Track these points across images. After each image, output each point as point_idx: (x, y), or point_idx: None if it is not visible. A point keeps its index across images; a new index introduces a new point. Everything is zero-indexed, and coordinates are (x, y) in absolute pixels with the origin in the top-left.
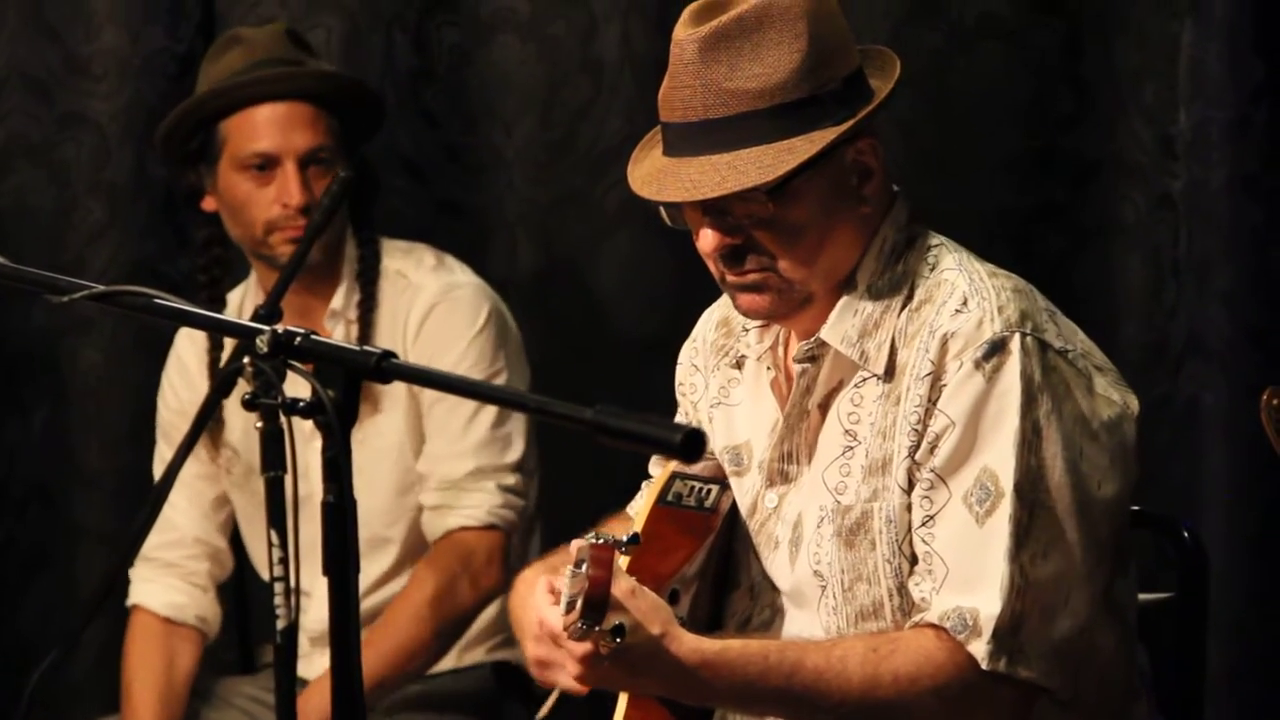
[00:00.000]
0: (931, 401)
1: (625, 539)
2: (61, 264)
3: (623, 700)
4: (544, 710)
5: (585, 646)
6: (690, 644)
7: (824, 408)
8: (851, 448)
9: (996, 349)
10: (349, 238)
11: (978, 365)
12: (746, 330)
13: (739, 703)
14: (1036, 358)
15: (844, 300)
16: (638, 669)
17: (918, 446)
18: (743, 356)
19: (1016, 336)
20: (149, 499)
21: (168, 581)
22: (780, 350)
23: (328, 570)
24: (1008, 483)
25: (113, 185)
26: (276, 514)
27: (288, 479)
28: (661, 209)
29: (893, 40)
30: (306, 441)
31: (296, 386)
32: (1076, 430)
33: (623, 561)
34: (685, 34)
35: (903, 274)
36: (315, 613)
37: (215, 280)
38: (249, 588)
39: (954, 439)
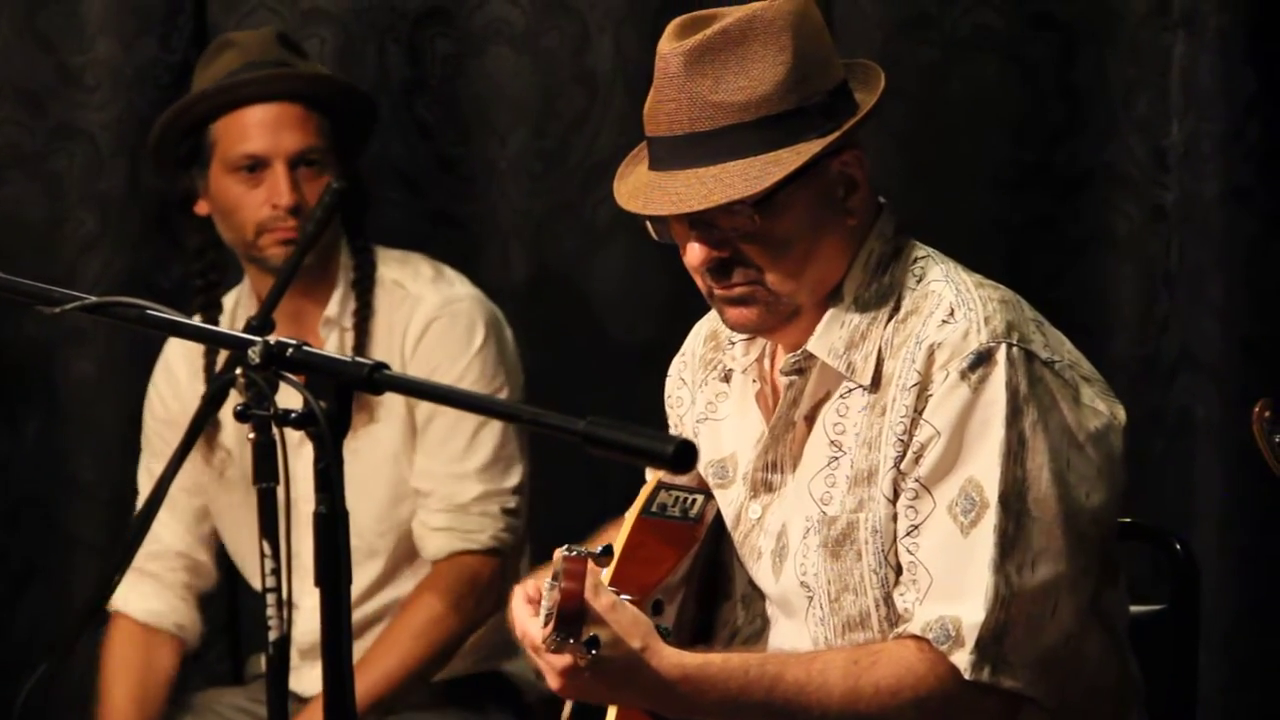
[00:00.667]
0: (917, 412)
1: (599, 550)
2: (54, 275)
3: (612, 713)
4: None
5: (564, 659)
6: (670, 658)
7: (810, 419)
8: (837, 458)
9: (982, 359)
10: (343, 245)
11: (963, 376)
12: (733, 343)
13: (720, 717)
14: (1023, 368)
15: (831, 312)
16: (617, 682)
17: (903, 456)
18: (730, 370)
19: (1003, 347)
20: (139, 512)
21: (147, 589)
22: (766, 363)
23: (319, 581)
24: (992, 493)
25: (105, 196)
26: (269, 525)
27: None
28: (648, 223)
29: (886, 52)
30: (295, 449)
31: (290, 396)
32: (1063, 441)
33: (606, 573)
34: (670, 48)
35: (889, 285)
36: (305, 624)
37: (210, 285)
38: (239, 599)
39: (939, 449)
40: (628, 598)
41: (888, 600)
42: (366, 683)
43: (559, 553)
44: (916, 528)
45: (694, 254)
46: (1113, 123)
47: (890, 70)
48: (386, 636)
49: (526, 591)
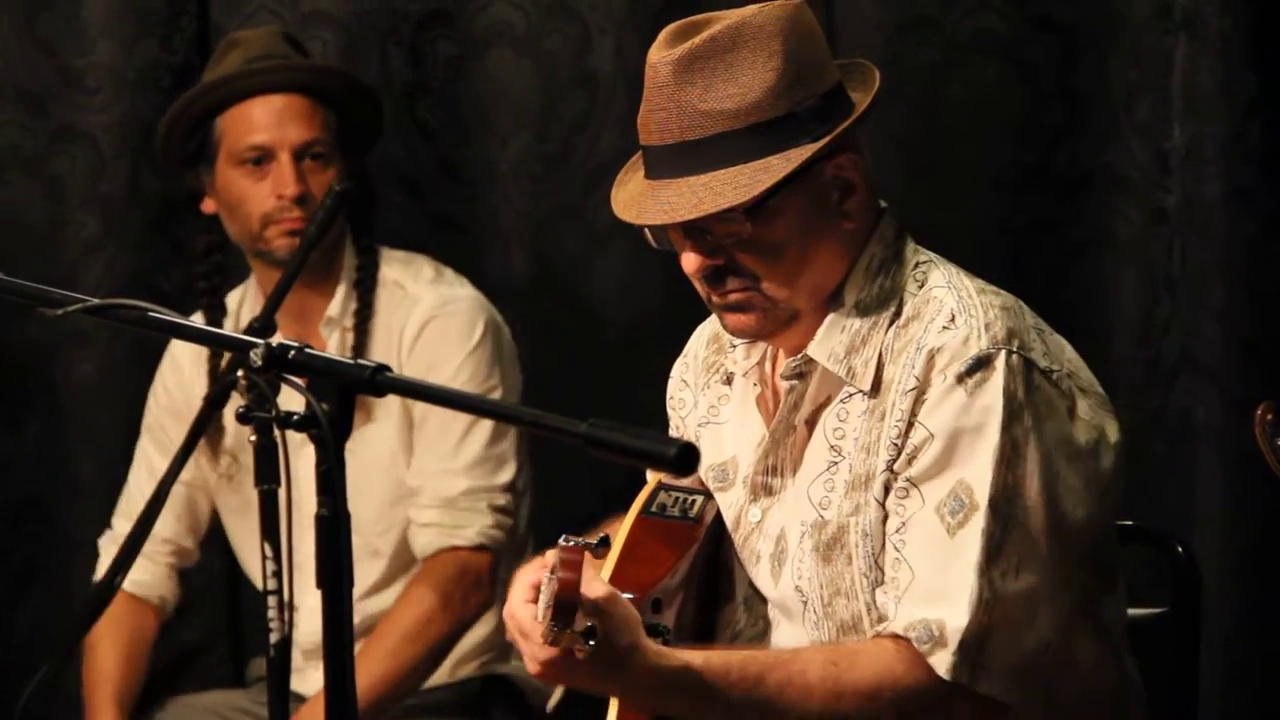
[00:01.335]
0: (914, 415)
1: (595, 542)
2: (55, 277)
3: (613, 712)
4: (552, 703)
5: (548, 649)
6: (654, 657)
7: (810, 423)
8: (836, 463)
9: (981, 365)
10: (347, 245)
11: (960, 380)
12: (734, 346)
13: (701, 716)
14: (1021, 375)
15: (831, 317)
16: (599, 676)
17: (896, 458)
18: (731, 373)
19: (1002, 353)
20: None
21: (134, 563)
22: (767, 366)
23: (321, 583)
24: (983, 496)
25: (107, 198)
26: (271, 527)
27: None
28: (646, 232)
29: (887, 55)
30: (297, 450)
31: (292, 398)
32: (1055, 451)
33: (605, 572)
34: (659, 56)
35: (890, 290)
36: (307, 625)
37: (215, 287)
38: (241, 601)
39: (933, 451)
40: (627, 596)
41: (877, 603)
42: (359, 687)
43: (557, 545)
44: (903, 524)
45: (689, 262)
46: (1114, 125)
47: (891, 72)
48: (377, 639)
49: (528, 578)
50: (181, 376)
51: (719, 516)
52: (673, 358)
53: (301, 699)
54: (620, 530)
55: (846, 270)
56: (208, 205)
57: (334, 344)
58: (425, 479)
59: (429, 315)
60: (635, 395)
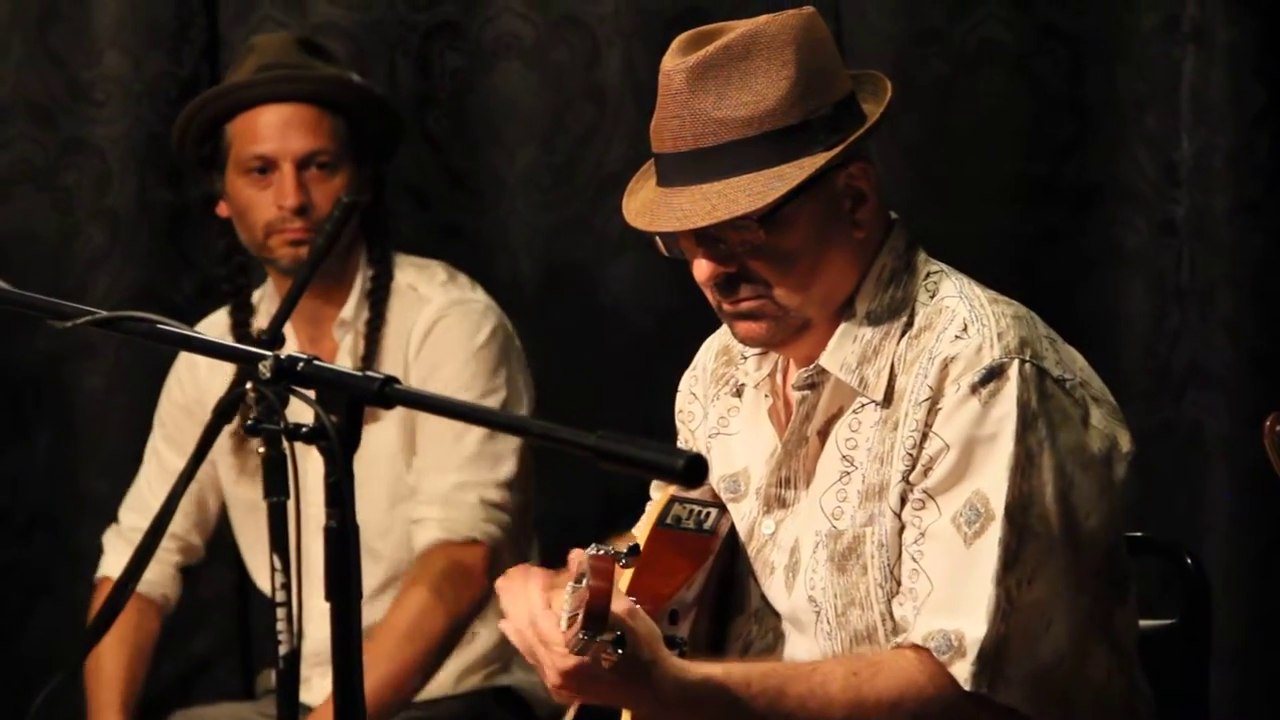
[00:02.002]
0: (928, 425)
1: (625, 550)
2: (64, 289)
3: (627, 717)
4: None
5: (573, 658)
6: (675, 669)
7: (823, 434)
8: (849, 473)
9: (994, 374)
10: (361, 252)
11: (974, 390)
12: (745, 358)
13: None
14: (1034, 385)
15: (843, 327)
16: (621, 688)
17: (912, 469)
18: (742, 385)
19: (1015, 363)
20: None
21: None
22: (778, 378)
23: (330, 596)
24: (998, 506)
25: (115, 211)
26: (279, 539)
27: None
28: (658, 239)
29: (895, 66)
30: (305, 454)
31: (301, 410)
32: (1069, 459)
33: (624, 583)
34: (673, 64)
35: (902, 300)
36: (315, 633)
37: (240, 288)
38: (250, 613)
39: (948, 462)
40: (644, 609)
41: (894, 614)
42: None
43: (579, 553)
44: (921, 536)
45: (701, 269)
46: (1122, 137)
47: (900, 84)
48: (374, 643)
49: (538, 588)
50: (196, 373)
51: (733, 529)
52: (682, 367)
53: (309, 709)
54: (640, 548)
55: (858, 280)
56: (222, 210)
57: (346, 346)
58: (423, 475)
59: (438, 315)
60: (645, 405)
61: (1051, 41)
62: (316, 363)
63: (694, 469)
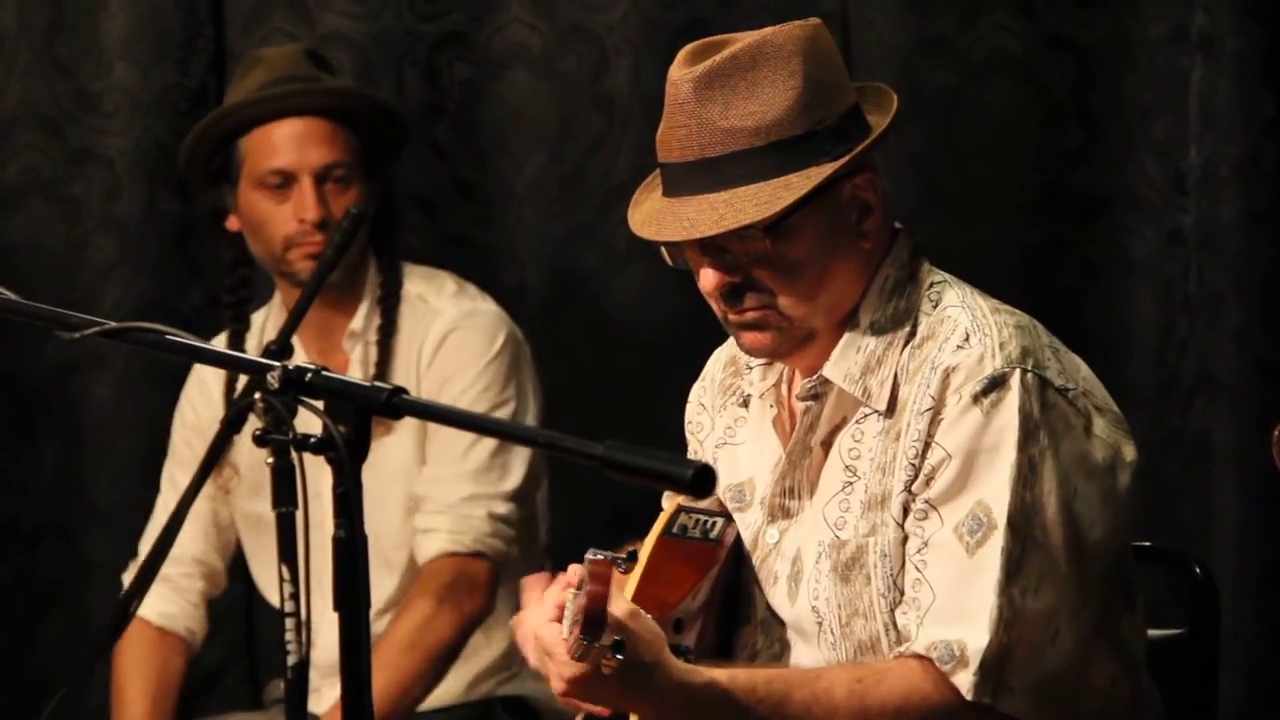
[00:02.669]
0: (930, 435)
1: (623, 556)
2: (73, 300)
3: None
4: None
5: (576, 665)
6: (679, 673)
7: (826, 444)
8: (851, 483)
9: (996, 384)
10: (370, 262)
11: (976, 399)
12: (751, 368)
13: None
14: (1036, 394)
15: (847, 337)
16: (626, 693)
17: (914, 479)
18: (748, 395)
19: (1017, 372)
20: (159, 536)
21: (160, 592)
22: (783, 388)
23: (339, 606)
24: (1001, 515)
25: (124, 221)
26: (287, 549)
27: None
28: (662, 249)
29: (903, 75)
30: (315, 466)
31: (310, 420)
32: (1072, 469)
33: (628, 591)
34: (680, 74)
35: (905, 310)
36: (325, 643)
37: (241, 301)
38: (257, 622)
39: (950, 471)
40: (648, 616)
41: (896, 624)
42: None
43: (585, 559)
44: (923, 545)
45: (707, 279)
46: (1130, 146)
47: (907, 94)
48: (378, 652)
49: (551, 598)
50: (209, 398)
51: (739, 539)
52: (690, 377)
53: (317, 719)
54: (642, 551)
55: (862, 290)
56: (232, 223)
57: (357, 358)
58: (431, 485)
59: (450, 327)
60: (652, 415)
61: (1059, 51)
62: (325, 373)
63: (702, 479)
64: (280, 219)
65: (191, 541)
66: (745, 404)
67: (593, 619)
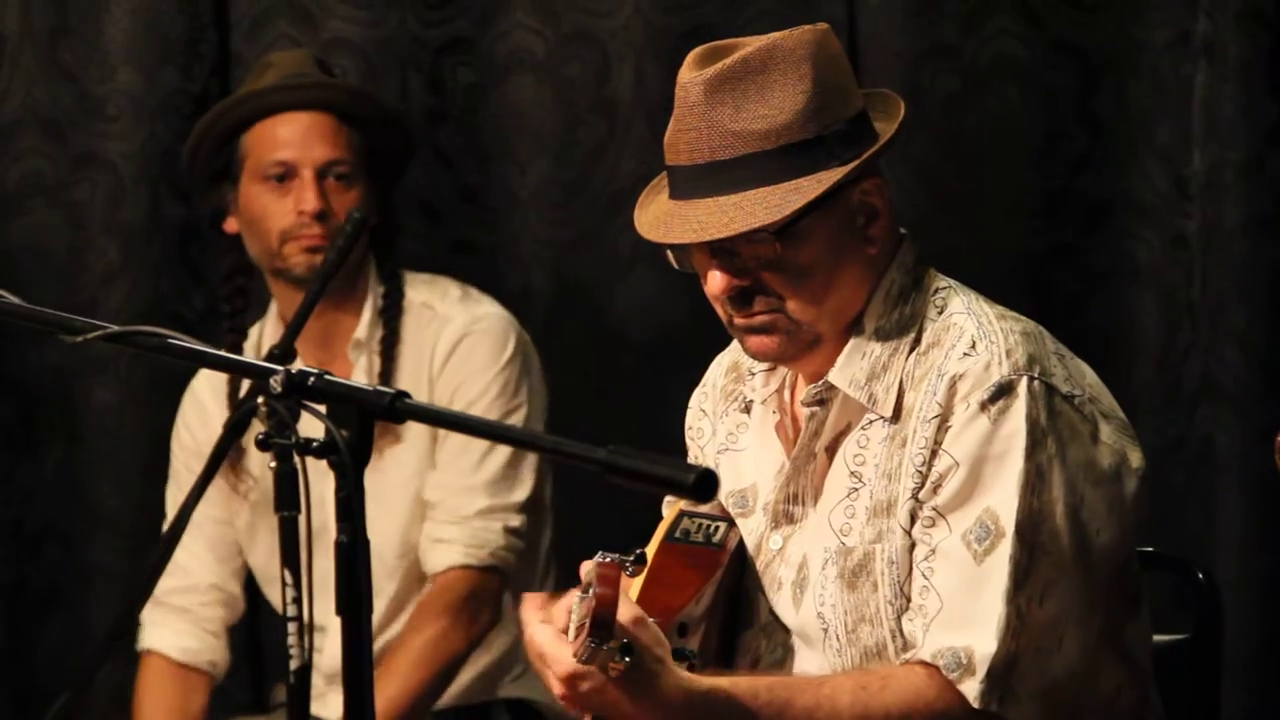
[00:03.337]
0: (937, 443)
1: (631, 558)
2: (76, 304)
3: None
4: None
5: (576, 667)
6: (682, 679)
7: (831, 450)
8: (857, 489)
9: (1003, 391)
10: (372, 271)
11: (983, 407)
12: (753, 374)
13: None
14: (1043, 401)
15: (852, 343)
16: (629, 697)
17: (921, 487)
18: (751, 401)
19: (1024, 380)
20: (162, 541)
21: (180, 626)
22: (786, 394)
23: (341, 610)
24: (1009, 523)
25: (127, 225)
26: (290, 553)
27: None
28: (669, 252)
29: (907, 81)
30: (319, 470)
31: (313, 425)
32: (1079, 476)
33: (633, 594)
34: (690, 77)
35: (910, 316)
36: (329, 650)
37: (238, 311)
38: (261, 627)
39: (958, 479)
40: (653, 621)
41: (903, 630)
42: None
43: (588, 564)
44: (931, 553)
45: (715, 282)
46: (1134, 152)
47: (911, 99)
48: (390, 662)
49: (563, 604)
50: (204, 414)
51: (742, 543)
52: (692, 383)
53: None
54: (647, 556)
55: (868, 296)
56: (230, 225)
57: (361, 366)
58: (443, 494)
59: (460, 334)
60: (656, 421)
61: (1063, 57)
62: (327, 377)
63: (704, 484)
64: (279, 212)
65: (207, 569)
66: (747, 410)
67: (601, 622)
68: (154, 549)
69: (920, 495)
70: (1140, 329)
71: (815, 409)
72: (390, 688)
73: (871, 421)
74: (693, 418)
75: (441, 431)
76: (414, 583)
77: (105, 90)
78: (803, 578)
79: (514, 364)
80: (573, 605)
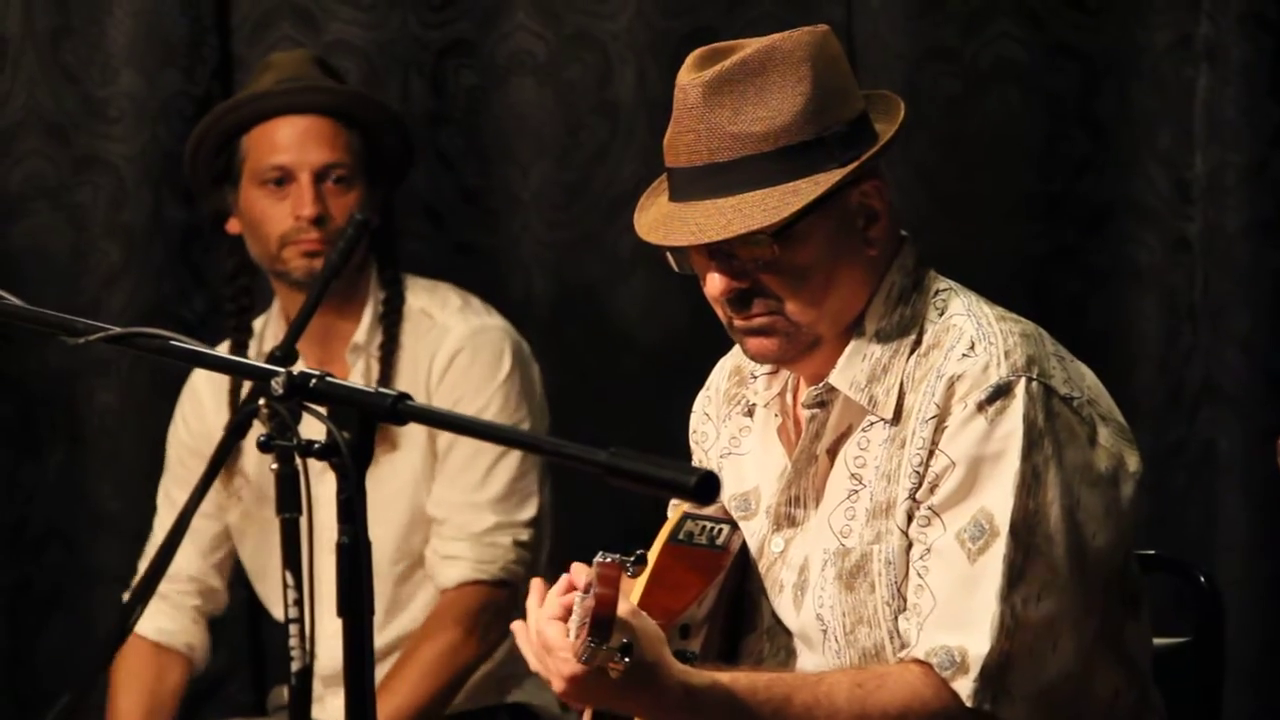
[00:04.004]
0: (934, 443)
1: (632, 559)
2: (78, 306)
3: None
4: None
5: (576, 664)
6: (680, 675)
7: (832, 453)
8: (857, 491)
9: (1001, 392)
10: (372, 274)
11: (980, 408)
12: (755, 377)
13: None
14: (1041, 402)
15: (852, 345)
16: (625, 691)
17: (918, 486)
18: (753, 404)
19: (1022, 381)
20: (161, 545)
21: (159, 609)
22: (788, 397)
23: (342, 612)
24: (1004, 523)
25: (129, 228)
26: (292, 555)
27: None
28: (668, 255)
29: (908, 84)
30: (318, 475)
31: (313, 426)
32: (1075, 478)
33: (635, 596)
34: (689, 79)
35: (911, 318)
36: (327, 652)
37: (243, 309)
38: (262, 629)
39: (954, 479)
40: (655, 622)
41: (899, 630)
42: (380, 718)
43: (594, 562)
44: (926, 552)
45: (714, 284)
46: (1135, 154)
47: (912, 101)
48: (401, 671)
49: (556, 598)
50: (201, 410)
51: (745, 546)
52: (695, 385)
53: None
54: (648, 557)
55: (868, 298)
56: (233, 225)
57: (359, 370)
58: (450, 510)
59: (459, 345)
60: (657, 423)
61: (1064, 59)
62: (329, 379)
63: (706, 486)
64: (278, 216)
65: (188, 561)
66: (750, 413)
67: (601, 622)
68: (147, 548)
69: (917, 495)
70: (1141, 332)
71: (816, 411)
72: (399, 697)
73: (872, 424)
74: (696, 422)
75: (443, 446)
76: (409, 589)
77: (107, 92)
78: (803, 580)
79: (513, 378)
80: (574, 603)
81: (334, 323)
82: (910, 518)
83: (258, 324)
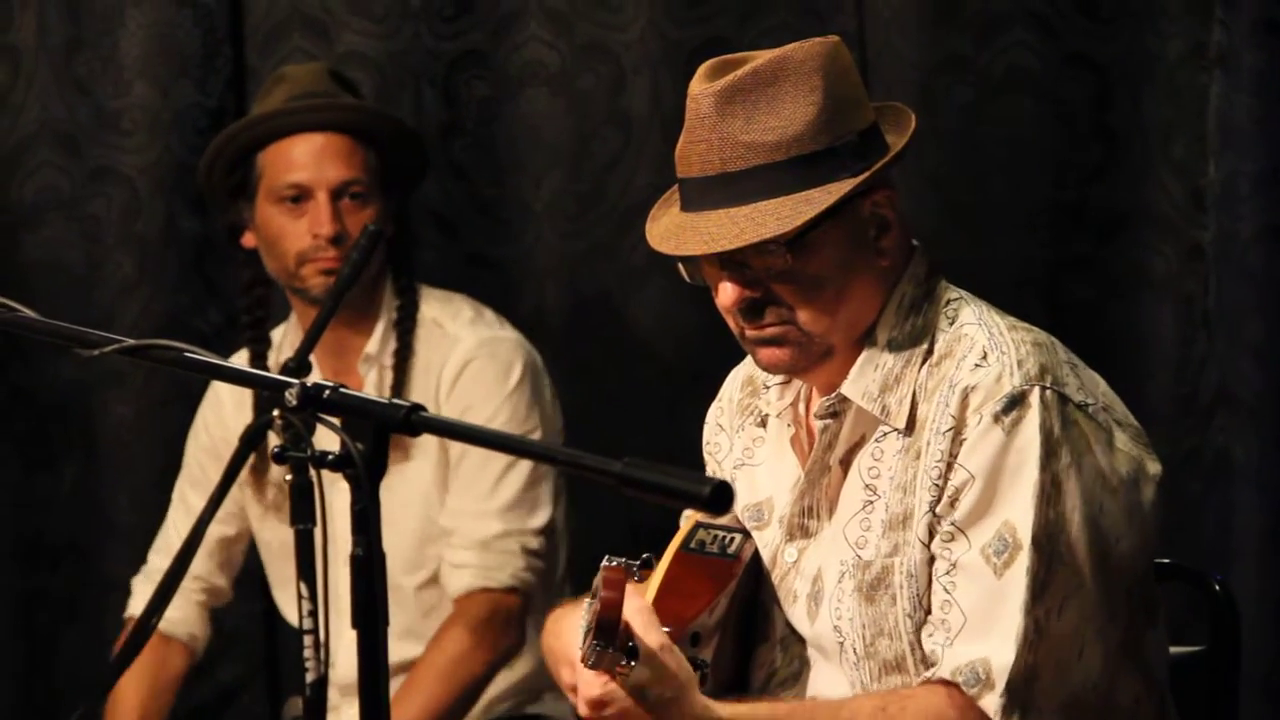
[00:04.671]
0: (952, 456)
1: (638, 563)
2: (92, 318)
3: None
4: None
5: (600, 687)
6: (701, 705)
7: (845, 463)
8: (871, 502)
9: (1016, 402)
10: (387, 284)
11: (997, 419)
12: (768, 388)
13: None
14: (1056, 411)
15: (865, 354)
16: (648, 717)
17: (938, 501)
18: (766, 415)
19: (1036, 390)
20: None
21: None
22: (801, 407)
23: (356, 623)
24: (1026, 535)
25: (143, 239)
26: (306, 566)
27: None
28: (680, 265)
29: (922, 93)
30: (334, 486)
31: (328, 438)
32: (1096, 484)
33: (646, 599)
34: (701, 89)
35: (923, 328)
36: (343, 663)
37: (259, 320)
38: (278, 640)
39: (974, 493)
40: (665, 630)
41: (923, 645)
42: None
43: (600, 567)
44: (951, 568)
45: (726, 294)
46: (1149, 163)
47: (926, 111)
48: (411, 679)
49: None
50: (222, 414)
51: (757, 555)
52: (707, 396)
53: None
54: (659, 565)
55: (880, 307)
56: (248, 240)
57: (372, 381)
58: (460, 520)
59: (468, 356)
60: (671, 433)
61: (1078, 68)
62: (343, 390)
63: (720, 496)
64: (295, 234)
65: (195, 561)
66: (763, 424)
67: (605, 625)
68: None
69: (938, 510)
70: (1156, 340)
71: (829, 421)
72: (412, 704)
73: (885, 434)
74: (710, 433)
75: (455, 456)
76: (424, 601)
77: (121, 104)
78: (818, 590)
79: (522, 388)
80: (583, 610)
81: (348, 335)
82: (931, 532)
83: (276, 334)
